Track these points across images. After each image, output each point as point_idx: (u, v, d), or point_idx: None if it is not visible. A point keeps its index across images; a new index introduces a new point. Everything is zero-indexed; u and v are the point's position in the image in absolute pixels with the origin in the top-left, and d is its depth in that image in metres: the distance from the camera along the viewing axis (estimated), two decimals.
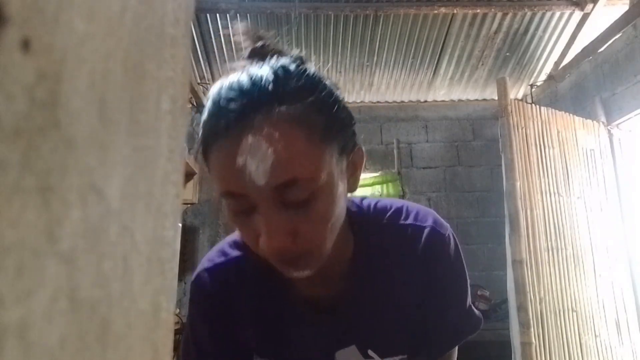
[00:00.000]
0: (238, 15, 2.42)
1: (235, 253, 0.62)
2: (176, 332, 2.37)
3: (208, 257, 0.64)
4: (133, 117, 0.15)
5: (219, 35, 2.55)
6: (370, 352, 0.60)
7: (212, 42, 2.59)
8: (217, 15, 2.43)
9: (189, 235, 2.84)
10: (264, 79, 0.47)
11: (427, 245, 0.59)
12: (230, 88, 0.47)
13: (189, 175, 2.57)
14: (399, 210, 0.62)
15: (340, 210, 0.50)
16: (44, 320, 0.11)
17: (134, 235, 0.15)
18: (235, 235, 0.64)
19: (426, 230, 0.60)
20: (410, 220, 0.61)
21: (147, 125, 0.16)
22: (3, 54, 0.10)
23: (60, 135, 0.12)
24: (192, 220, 2.92)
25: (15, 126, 0.10)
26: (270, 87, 0.46)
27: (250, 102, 0.45)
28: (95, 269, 0.13)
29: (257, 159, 0.44)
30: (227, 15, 2.42)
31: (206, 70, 2.81)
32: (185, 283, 2.81)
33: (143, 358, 0.16)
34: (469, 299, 0.64)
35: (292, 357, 0.61)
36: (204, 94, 2.92)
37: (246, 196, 0.46)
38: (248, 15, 2.43)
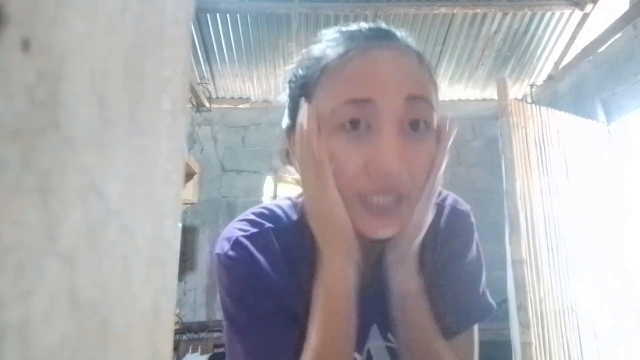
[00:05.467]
0: (238, 15, 2.42)
1: (267, 224, 0.58)
2: (176, 332, 2.37)
3: (237, 227, 0.57)
4: (133, 117, 0.15)
5: (219, 35, 2.55)
6: (389, 336, 0.60)
7: (212, 42, 2.59)
8: (217, 15, 2.42)
9: (189, 235, 2.84)
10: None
11: (448, 223, 0.59)
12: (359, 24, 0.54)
13: (189, 175, 2.57)
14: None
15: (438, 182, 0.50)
16: (44, 320, 0.11)
17: (134, 235, 0.15)
18: (259, 209, 0.60)
19: (447, 209, 0.60)
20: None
21: (147, 126, 0.16)
22: (3, 54, 0.10)
23: (60, 136, 0.12)
24: (192, 220, 2.92)
25: (15, 126, 0.10)
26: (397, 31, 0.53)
27: (387, 31, 0.52)
28: (95, 269, 0.13)
29: (397, 68, 0.48)
30: (227, 15, 2.42)
31: (206, 70, 2.81)
32: (185, 283, 2.81)
33: (143, 358, 0.16)
34: (484, 285, 0.63)
35: None
36: (204, 94, 2.92)
37: (371, 106, 0.46)
38: (248, 15, 2.43)
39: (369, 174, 0.46)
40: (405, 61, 0.49)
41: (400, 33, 0.53)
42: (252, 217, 0.59)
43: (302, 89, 0.53)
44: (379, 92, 0.46)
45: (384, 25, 0.54)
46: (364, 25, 0.53)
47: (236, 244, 0.56)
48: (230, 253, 0.55)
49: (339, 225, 0.49)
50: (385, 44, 0.50)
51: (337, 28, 0.55)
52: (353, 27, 0.53)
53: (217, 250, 0.57)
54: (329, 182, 0.48)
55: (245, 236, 0.56)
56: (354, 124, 0.47)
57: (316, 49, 0.54)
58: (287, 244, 0.57)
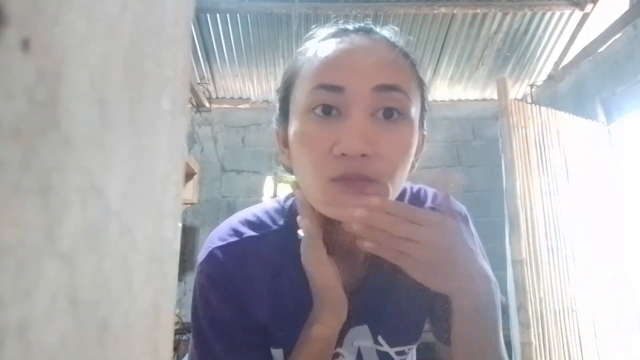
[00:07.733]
0: (238, 15, 2.42)
1: (249, 232, 0.58)
2: (176, 332, 2.37)
3: (218, 236, 0.58)
4: (133, 117, 0.15)
5: (219, 35, 2.55)
6: (380, 339, 0.59)
7: (212, 42, 2.59)
8: (217, 15, 2.42)
9: (189, 235, 2.84)
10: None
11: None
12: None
13: (189, 175, 2.57)
14: (402, 192, 0.62)
15: (408, 169, 0.51)
16: (44, 320, 0.11)
17: (134, 235, 0.15)
18: (245, 214, 0.61)
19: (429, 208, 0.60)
20: (411, 200, 0.62)
21: (147, 125, 0.16)
22: (3, 54, 0.10)
23: (60, 135, 0.12)
24: (192, 220, 2.92)
25: (15, 126, 0.10)
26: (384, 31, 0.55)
27: (369, 27, 0.54)
28: (95, 269, 0.13)
29: (371, 57, 0.48)
30: (227, 15, 2.42)
31: (206, 70, 2.81)
32: (185, 283, 2.81)
33: (143, 358, 0.16)
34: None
35: None
36: (204, 94, 2.92)
37: (341, 93, 0.47)
38: (248, 15, 2.43)
39: (335, 157, 0.47)
40: (378, 51, 0.49)
41: (382, 30, 0.54)
42: (236, 223, 0.59)
43: (287, 85, 0.55)
44: (349, 80, 0.47)
45: (366, 23, 0.55)
46: (349, 23, 0.55)
47: (210, 256, 0.56)
48: (204, 266, 0.57)
49: (331, 294, 0.52)
50: (361, 35, 0.51)
51: (318, 26, 0.57)
52: (338, 25, 0.55)
53: (199, 256, 0.58)
54: (323, 257, 0.50)
55: (221, 247, 0.57)
56: (326, 110, 0.48)
57: (299, 49, 0.56)
58: (268, 253, 0.57)
